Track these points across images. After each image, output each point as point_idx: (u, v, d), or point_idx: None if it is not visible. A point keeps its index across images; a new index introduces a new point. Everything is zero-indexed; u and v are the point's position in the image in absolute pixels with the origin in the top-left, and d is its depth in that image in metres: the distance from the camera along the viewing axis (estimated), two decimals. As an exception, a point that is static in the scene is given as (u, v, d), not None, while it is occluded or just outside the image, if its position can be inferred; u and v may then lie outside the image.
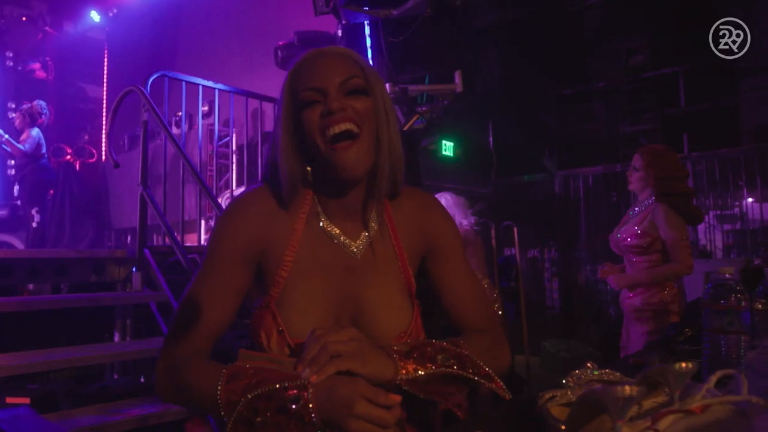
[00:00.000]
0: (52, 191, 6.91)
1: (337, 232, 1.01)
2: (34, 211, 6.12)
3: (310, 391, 0.81)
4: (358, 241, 1.02)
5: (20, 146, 6.00)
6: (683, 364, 0.75)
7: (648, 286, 2.74)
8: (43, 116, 6.15)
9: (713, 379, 0.81)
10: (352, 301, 1.01)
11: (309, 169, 0.99)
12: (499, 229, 4.99)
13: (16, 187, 6.50)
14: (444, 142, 5.65)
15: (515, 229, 5.02)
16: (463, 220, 3.44)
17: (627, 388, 0.66)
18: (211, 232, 1.03)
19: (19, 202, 7.02)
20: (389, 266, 1.04)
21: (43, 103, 6.28)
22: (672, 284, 2.74)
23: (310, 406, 0.80)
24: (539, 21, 6.78)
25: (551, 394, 0.88)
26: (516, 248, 5.10)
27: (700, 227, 5.88)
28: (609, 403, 0.67)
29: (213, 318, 0.97)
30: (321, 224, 1.01)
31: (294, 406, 0.80)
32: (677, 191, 2.75)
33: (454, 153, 5.78)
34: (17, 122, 6.14)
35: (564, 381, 0.94)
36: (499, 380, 0.93)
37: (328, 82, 0.93)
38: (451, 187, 5.37)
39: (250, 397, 0.82)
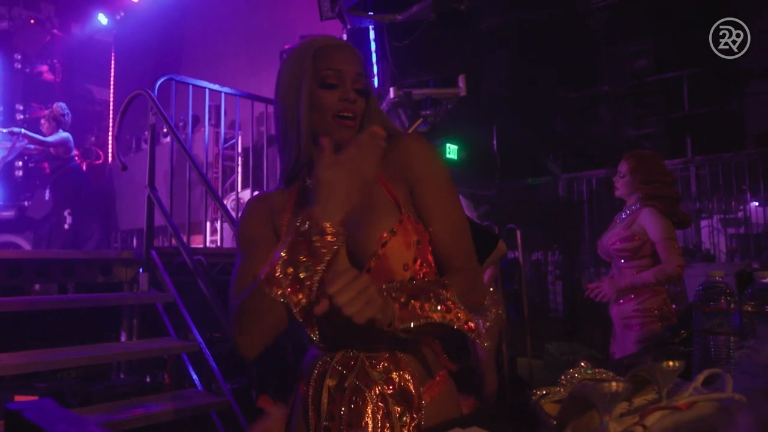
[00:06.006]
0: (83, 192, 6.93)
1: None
2: (66, 213, 6.17)
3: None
4: None
5: (41, 137, 6.06)
6: (670, 363, 0.79)
7: (638, 291, 2.68)
8: (65, 116, 6.23)
9: (701, 377, 0.84)
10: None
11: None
12: (503, 232, 5.00)
13: (47, 190, 6.52)
14: (448, 145, 5.67)
15: (518, 232, 5.03)
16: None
17: (613, 384, 0.69)
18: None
19: (26, 203, 7.08)
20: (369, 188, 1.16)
21: (62, 104, 6.36)
22: (662, 288, 2.68)
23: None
24: (544, 25, 6.79)
25: (544, 392, 0.91)
26: (519, 251, 5.12)
27: (704, 231, 5.88)
28: (596, 398, 0.70)
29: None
30: (308, 183, 1.18)
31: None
32: (664, 195, 2.72)
33: (458, 156, 5.80)
34: (44, 128, 6.20)
35: (558, 380, 0.97)
36: (472, 324, 1.02)
37: (348, 69, 1.13)
38: (456, 190, 5.38)
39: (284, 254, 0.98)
